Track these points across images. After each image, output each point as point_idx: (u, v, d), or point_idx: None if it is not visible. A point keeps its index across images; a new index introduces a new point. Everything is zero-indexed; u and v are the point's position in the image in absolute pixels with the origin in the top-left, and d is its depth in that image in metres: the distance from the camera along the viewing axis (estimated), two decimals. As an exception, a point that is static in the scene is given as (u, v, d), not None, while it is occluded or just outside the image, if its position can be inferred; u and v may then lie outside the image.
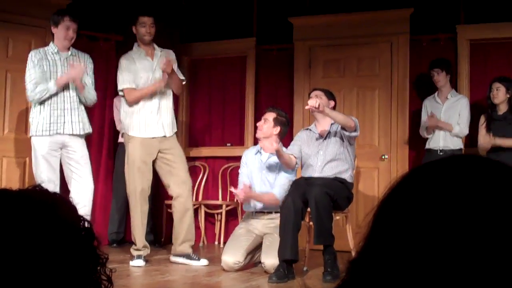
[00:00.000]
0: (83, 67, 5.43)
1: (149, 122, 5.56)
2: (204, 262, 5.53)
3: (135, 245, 5.55)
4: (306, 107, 5.04)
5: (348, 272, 0.91)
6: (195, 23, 7.70)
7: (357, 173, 6.42)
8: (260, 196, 5.31)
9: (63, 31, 5.43)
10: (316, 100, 4.88)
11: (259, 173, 5.45)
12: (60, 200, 1.09)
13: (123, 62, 5.64)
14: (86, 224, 1.10)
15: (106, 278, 1.11)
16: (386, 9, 6.93)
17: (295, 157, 5.27)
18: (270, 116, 5.45)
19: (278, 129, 5.42)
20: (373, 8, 6.99)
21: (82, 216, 1.10)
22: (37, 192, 1.08)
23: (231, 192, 7.07)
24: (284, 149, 5.28)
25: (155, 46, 5.76)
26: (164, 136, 5.60)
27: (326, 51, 7.29)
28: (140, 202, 5.52)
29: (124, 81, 5.60)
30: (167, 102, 5.68)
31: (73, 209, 1.10)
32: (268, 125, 5.42)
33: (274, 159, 5.33)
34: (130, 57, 5.65)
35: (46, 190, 1.10)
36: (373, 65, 7.09)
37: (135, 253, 5.51)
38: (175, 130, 5.77)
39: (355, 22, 7.05)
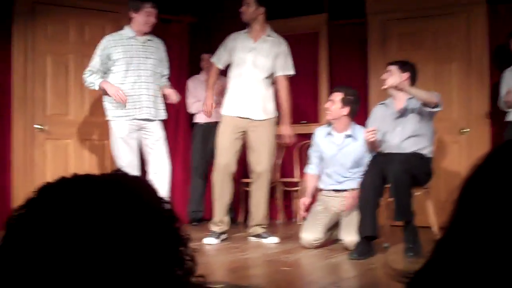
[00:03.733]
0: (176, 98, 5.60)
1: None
2: (274, 239, 5.55)
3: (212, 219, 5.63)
4: (383, 87, 4.97)
5: (433, 251, 0.88)
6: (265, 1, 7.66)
7: (437, 148, 6.28)
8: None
9: (144, 17, 5.49)
10: (395, 80, 4.81)
11: (333, 155, 5.39)
12: (142, 183, 1.11)
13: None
14: (168, 206, 1.10)
15: (189, 258, 1.11)
16: (461, -22, 6.71)
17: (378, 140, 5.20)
18: (337, 96, 5.36)
19: (347, 109, 5.33)
20: (448, -22, 6.79)
21: (163, 198, 1.11)
22: (119, 176, 1.09)
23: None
24: (359, 128, 5.23)
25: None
26: (252, 119, 5.60)
27: (400, 24, 7.13)
28: (221, 177, 5.56)
29: None
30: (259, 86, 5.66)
31: (154, 191, 1.11)
32: (335, 106, 5.33)
33: (350, 142, 5.29)
34: None
35: (127, 174, 1.11)
36: (450, 37, 6.89)
37: (210, 227, 5.59)
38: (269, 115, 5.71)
39: (429, -6, 6.87)
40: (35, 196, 1.03)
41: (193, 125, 7.27)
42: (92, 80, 5.44)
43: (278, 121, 5.80)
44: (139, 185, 1.09)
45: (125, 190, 1.04)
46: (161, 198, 1.10)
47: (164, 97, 5.66)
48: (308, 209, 5.39)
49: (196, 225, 6.91)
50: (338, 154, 5.37)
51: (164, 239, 1.04)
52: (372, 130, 4.95)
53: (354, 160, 5.33)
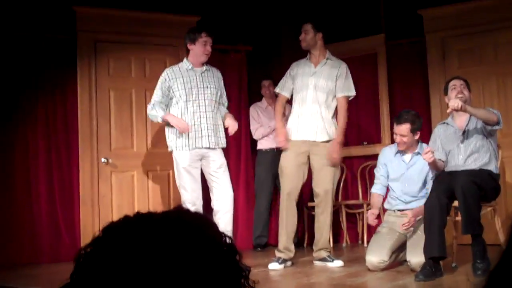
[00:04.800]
0: (234, 130, 5.65)
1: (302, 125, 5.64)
2: (339, 263, 5.51)
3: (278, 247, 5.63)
4: (448, 111, 4.86)
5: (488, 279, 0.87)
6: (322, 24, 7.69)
7: (503, 164, 6.13)
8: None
9: (201, 47, 5.59)
10: (457, 103, 4.69)
11: (402, 173, 5.32)
12: (203, 219, 1.13)
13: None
14: (228, 240, 1.13)
15: None
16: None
17: (442, 161, 5.11)
18: (404, 130, 5.23)
19: (418, 134, 5.27)
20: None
21: (223, 233, 1.13)
22: (181, 213, 1.12)
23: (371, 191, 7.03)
24: (425, 146, 5.14)
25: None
26: (314, 141, 5.61)
27: (460, 40, 7.03)
28: (286, 204, 5.58)
29: None
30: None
31: (215, 226, 1.13)
32: (408, 139, 5.24)
33: (418, 161, 5.21)
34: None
35: (188, 211, 1.14)
36: (511, 51, 6.74)
37: (276, 254, 5.59)
38: (332, 136, 5.65)
39: (487, 7, 6.76)
40: (100, 236, 1.07)
41: (256, 151, 7.32)
42: (154, 113, 5.57)
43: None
44: (200, 221, 1.12)
45: (186, 228, 1.07)
46: (221, 233, 1.13)
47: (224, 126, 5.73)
48: (377, 218, 5.27)
49: (260, 251, 6.91)
50: (407, 172, 5.30)
51: (226, 273, 1.07)
52: (429, 151, 4.86)
53: (423, 177, 5.24)
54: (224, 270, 1.06)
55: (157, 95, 5.61)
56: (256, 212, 7.22)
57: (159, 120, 5.58)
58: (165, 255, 1.00)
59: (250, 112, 7.33)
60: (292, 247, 5.64)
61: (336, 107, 5.67)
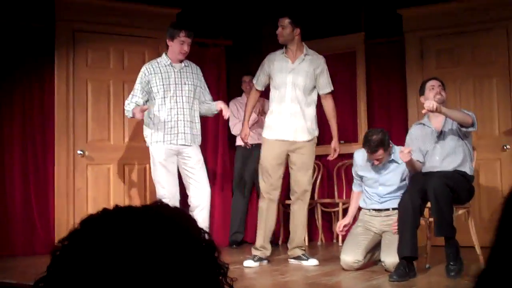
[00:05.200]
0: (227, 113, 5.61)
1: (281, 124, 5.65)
2: (313, 262, 5.54)
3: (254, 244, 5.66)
4: (423, 111, 4.88)
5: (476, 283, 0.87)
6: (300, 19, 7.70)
7: (478, 165, 6.19)
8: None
9: (178, 46, 5.51)
10: (433, 104, 4.72)
11: (374, 179, 5.34)
12: (183, 215, 1.12)
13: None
14: (207, 236, 1.12)
15: (228, 287, 1.13)
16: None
17: (420, 162, 5.14)
18: (379, 155, 5.16)
19: (390, 146, 5.23)
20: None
21: (202, 229, 1.12)
22: (161, 208, 1.11)
23: (347, 190, 7.05)
24: (398, 148, 5.17)
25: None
26: (294, 141, 5.61)
27: (438, 41, 7.08)
28: (267, 204, 5.60)
29: None
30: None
31: (194, 222, 1.12)
32: (382, 157, 5.23)
33: (391, 165, 5.24)
34: None
35: (168, 205, 1.13)
36: (489, 52, 6.81)
37: (253, 252, 5.61)
38: (311, 135, 5.69)
39: (466, 9, 6.82)
40: (78, 228, 1.06)
41: (235, 147, 7.32)
42: (128, 108, 5.50)
43: (318, 141, 5.80)
44: (180, 216, 1.11)
45: (166, 222, 1.06)
46: (200, 229, 1.12)
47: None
48: (346, 230, 5.36)
49: (236, 248, 6.92)
50: (380, 178, 5.30)
51: (204, 269, 1.06)
52: (409, 151, 4.90)
53: (397, 180, 5.26)
54: (202, 266, 1.05)
55: (136, 89, 5.55)
56: (233, 208, 7.22)
57: (130, 115, 5.50)
58: (143, 249, 0.99)
59: (230, 107, 7.31)
60: (269, 246, 5.66)
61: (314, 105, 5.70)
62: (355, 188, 5.59)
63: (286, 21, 5.61)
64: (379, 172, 5.31)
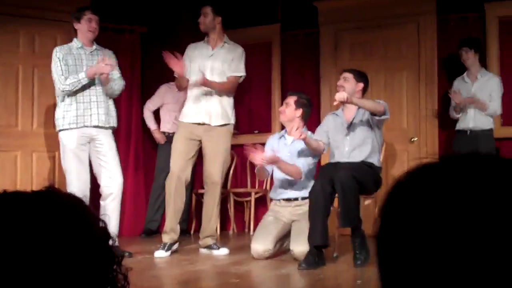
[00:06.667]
0: (112, 63, 5.41)
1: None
2: (224, 251, 5.57)
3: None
4: (334, 103, 4.98)
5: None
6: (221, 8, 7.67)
7: (386, 156, 6.35)
8: (285, 164, 5.17)
9: (86, 24, 5.45)
10: (343, 95, 4.82)
11: (284, 157, 5.39)
12: (75, 200, 1.09)
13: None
14: (101, 224, 1.10)
15: (123, 277, 1.11)
16: (411, -12, 6.81)
17: (324, 143, 5.23)
18: (291, 100, 5.43)
19: (300, 111, 5.39)
20: (398, -11, 6.88)
21: (96, 216, 1.10)
22: (51, 193, 1.07)
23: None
24: (311, 134, 5.24)
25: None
26: (209, 125, 5.61)
27: (352, 34, 7.21)
28: (175, 185, 5.55)
29: None
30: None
31: (87, 209, 1.09)
32: (290, 109, 5.40)
33: (299, 143, 5.27)
34: None
35: (60, 191, 1.09)
36: (400, 47, 7.00)
37: (163, 239, 5.55)
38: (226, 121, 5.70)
39: (380, 4, 6.97)
40: None
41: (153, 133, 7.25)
42: (73, 80, 5.27)
43: (234, 129, 5.84)
44: (72, 202, 1.07)
45: (55, 208, 1.02)
46: (94, 216, 1.09)
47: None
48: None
49: (147, 237, 6.81)
50: (290, 155, 5.35)
51: (96, 257, 1.03)
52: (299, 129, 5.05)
53: (304, 160, 5.28)
54: (94, 254, 1.03)
55: (60, 67, 5.34)
56: (152, 196, 7.14)
57: (84, 78, 5.27)
58: (30, 235, 0.96)
59: (160, 88, 7.22)
60: (178, 228, 5.59)
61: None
62: None
63: (208, 9, 5.70)
64: (287, 147, 5.41)
